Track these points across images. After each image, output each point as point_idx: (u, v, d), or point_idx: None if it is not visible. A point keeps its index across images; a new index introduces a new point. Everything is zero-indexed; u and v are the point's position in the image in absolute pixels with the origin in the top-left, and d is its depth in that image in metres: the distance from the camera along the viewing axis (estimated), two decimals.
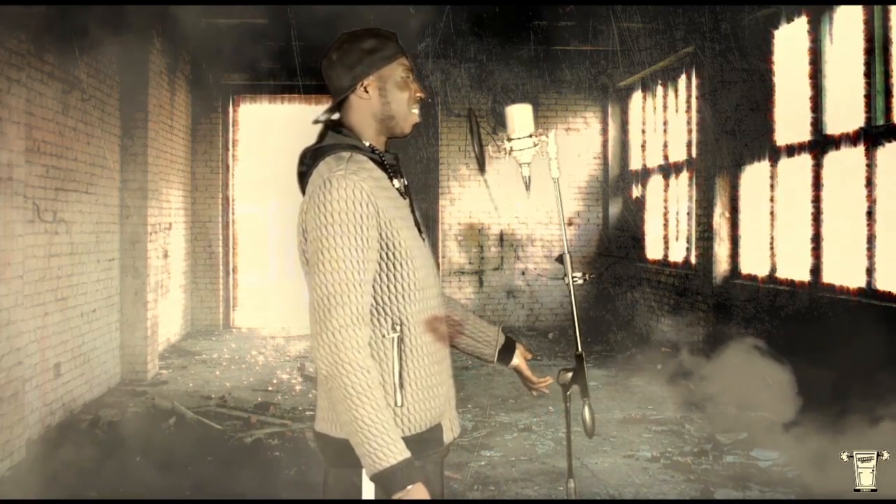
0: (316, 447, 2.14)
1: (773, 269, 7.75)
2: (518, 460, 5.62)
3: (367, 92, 2.14)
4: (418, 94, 2.18)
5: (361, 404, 1.89)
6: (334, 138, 2.13)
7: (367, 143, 2.15)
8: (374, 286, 2.03)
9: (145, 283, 8.12)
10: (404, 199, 2.17)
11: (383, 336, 2.04)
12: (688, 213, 9.54)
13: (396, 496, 1.89)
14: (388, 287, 2.04)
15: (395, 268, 2.05)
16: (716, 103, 8.43)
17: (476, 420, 6.68)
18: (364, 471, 1.94)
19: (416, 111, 2.19)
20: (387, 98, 2.14)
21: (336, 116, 2.21)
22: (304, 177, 2.16)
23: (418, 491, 1.91)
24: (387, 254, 2.03)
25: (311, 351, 1.97)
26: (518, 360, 2.52)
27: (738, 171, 8.41)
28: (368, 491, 2.00)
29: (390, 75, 2.15)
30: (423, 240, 2.19)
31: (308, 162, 2.14)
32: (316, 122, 2.22)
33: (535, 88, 11.47)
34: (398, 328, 2.04)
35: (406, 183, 2.22)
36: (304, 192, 2.15)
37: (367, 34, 2.15)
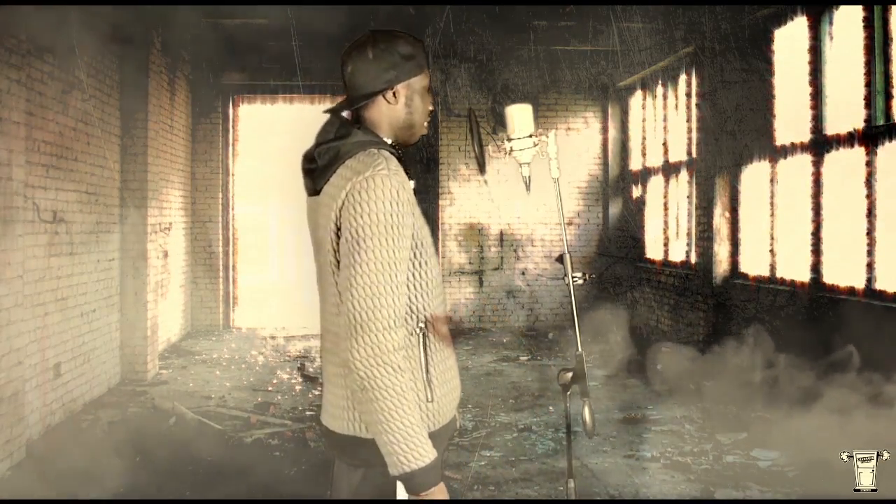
0: (337, 448, 2.11)
1: (773, 269, 7.76)
2: (518, 460, 5.62)
3: (395, 97, 2.13)
4: (431, 108, 2.21)
5: (400, 405, 1.90)
6: (358, 135, 2.08)
7: (388, 141, 2.16)
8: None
9: (145, 283, 8.11)
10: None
11: (410, 333, 2.05)
12: (688, 213, 9.54)
13: (423, 496, 1.92)
14: (415, 286, 2.06)
15: (421, 266, 2.07)
16: (716, 103, 8.43)
17: (476, 420, 6.68)
18: (390, 469, 1.94)
19: (426, 125, 2.22)
20: (411, 108, 2.15)
21: (346, 113, 2.17)
22: (315, 172, 2.09)
23: (442, 491, 1.95)
24: (416, 253, 2.05)
25: (345, 351, 1.94)
26: None
27: (738, 171, 8.41)
28: (402, 489, 2.00)
29: (418, 86, 2.15)
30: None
31: (324, 160, 2.07)
32: (328, 111, 2.18)
33: (535, 88, 11.47)
34: (423, 325, 2.06)
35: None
36: (313, 187, 2.10)
37: (404, 39, 2.13)
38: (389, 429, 1.90)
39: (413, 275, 2.05)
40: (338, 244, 2.00)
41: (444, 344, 2.13)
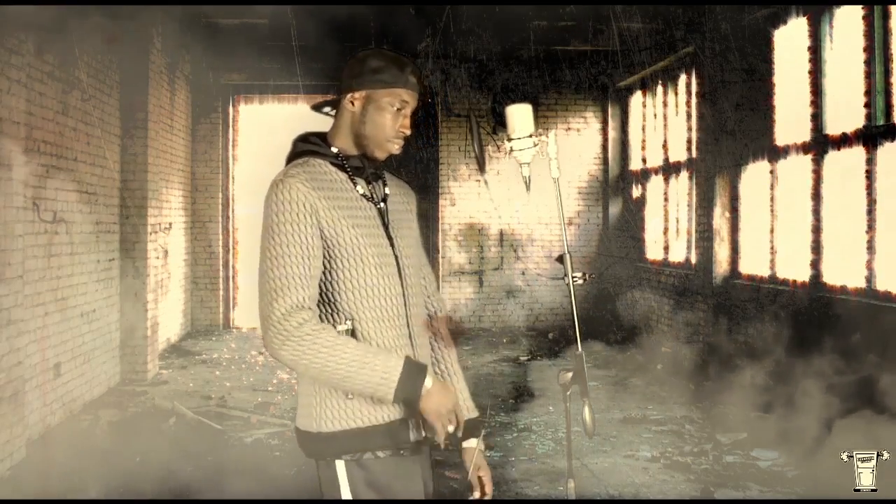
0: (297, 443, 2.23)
1: (774, 269, 7.75)
2: (518, 460, 5.62)
3: (352, 104, 2.21)
4: (402, 131, 2.22)
5: (341, 355, 1.99)
6: (296, 147, 2.24)
7: (335, 149, 2.22)
8: (322, 281, 2.12)
9: (145, 283, 8.11)
10: (373, 202, 2.21)
11: (335, 327, 2.10)
12: (688, 214, 9.54)
13: (423, 404, 2.03)
14: (335, 283, 2.13)
15: (339, 265, 2.12)
16: (716, 103, 8.43)
17: None
18: (390, 399, 2.03)
19: (394, 144, 2.22)
20: (365, 119, 2.19)
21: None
22: None
23: (437, 391, 2.05)
24: (329, 251, 2.11)
25: (267, 349, 2.05)
26: (470, 446, 2.36)
27: (738, 171, 8.41)
28: (344, 482, 2.10)
29: (379, 99, 2.19)
30: (391, 243, 2.22)
31: None
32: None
33: (535, 88, 11.45)
34: (349, 322, 2.12)
35: (386, 192, 2.28)
36: None
37: (382, 56, 2.21)
38: (354, 377, 1.99)
39: (331, 272, 2.12)
40: None
41: (391, 346, 2.14)
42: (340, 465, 2.10)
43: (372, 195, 2.23)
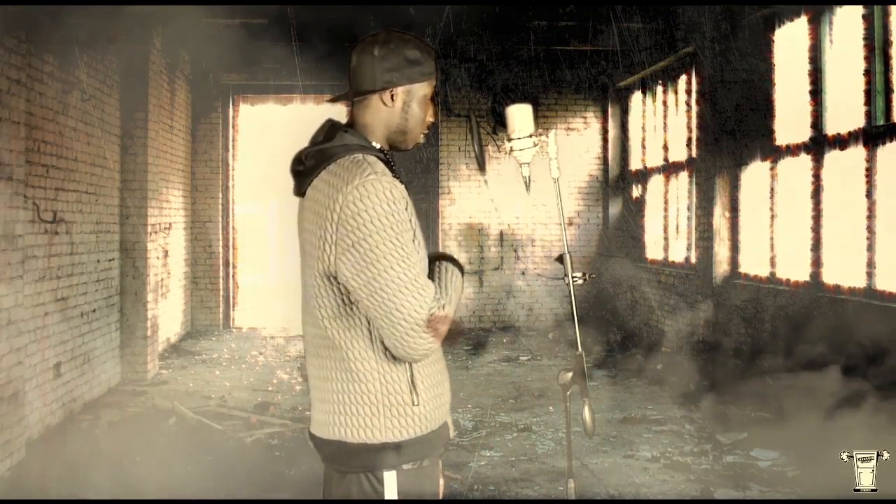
0: (325, 455, 2.07)
1: (773, 269, 7.76)
2: (518, 460, 5.62)
3: (392, 100, 2.10)
4: (431, 119, 2.18)
5: (455, 304, 2.08)
6: (343, 138, 2.07)
7: (376, 145, 2.12)
8: None
9: (145, 283, 8.11)
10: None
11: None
12: (688, 214, 9.54)
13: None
14: None
15: None
16: (716, 103, 8.43)
17: (476, 420, 6.68)
18: None
19: (423, 133, 2.19)
20: (407, 114, 2.12)
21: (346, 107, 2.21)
22: (302, 175, 2.09)
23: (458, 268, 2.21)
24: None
25: (414, 350, 1.95)
26: None
27: (738, 171, 8.41)
28: (392, 493, 2.00)
29: (420, 92, 2.12)
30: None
31: (311, 162, 2.06)
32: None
33: (535, 88, 11.46)
34: None
35: None
36: (300, 191, 2.10)
37: (414, 43, 2.11)
38: (459, 295, 2.14)
39: None
40: (330, 255, 1.96)
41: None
42: (391, 476, 1.99)
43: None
